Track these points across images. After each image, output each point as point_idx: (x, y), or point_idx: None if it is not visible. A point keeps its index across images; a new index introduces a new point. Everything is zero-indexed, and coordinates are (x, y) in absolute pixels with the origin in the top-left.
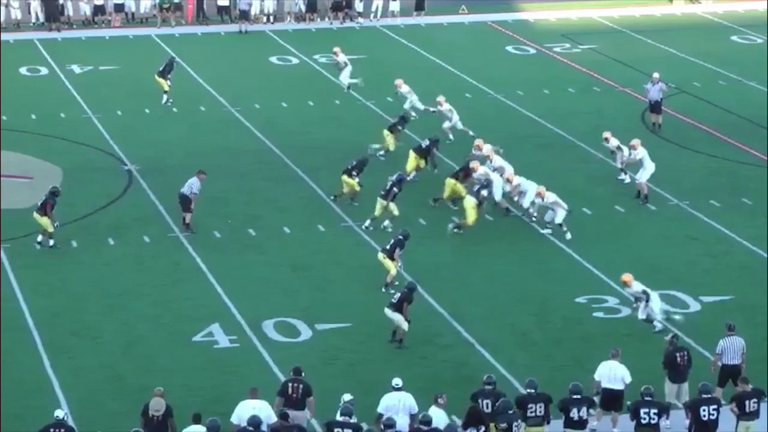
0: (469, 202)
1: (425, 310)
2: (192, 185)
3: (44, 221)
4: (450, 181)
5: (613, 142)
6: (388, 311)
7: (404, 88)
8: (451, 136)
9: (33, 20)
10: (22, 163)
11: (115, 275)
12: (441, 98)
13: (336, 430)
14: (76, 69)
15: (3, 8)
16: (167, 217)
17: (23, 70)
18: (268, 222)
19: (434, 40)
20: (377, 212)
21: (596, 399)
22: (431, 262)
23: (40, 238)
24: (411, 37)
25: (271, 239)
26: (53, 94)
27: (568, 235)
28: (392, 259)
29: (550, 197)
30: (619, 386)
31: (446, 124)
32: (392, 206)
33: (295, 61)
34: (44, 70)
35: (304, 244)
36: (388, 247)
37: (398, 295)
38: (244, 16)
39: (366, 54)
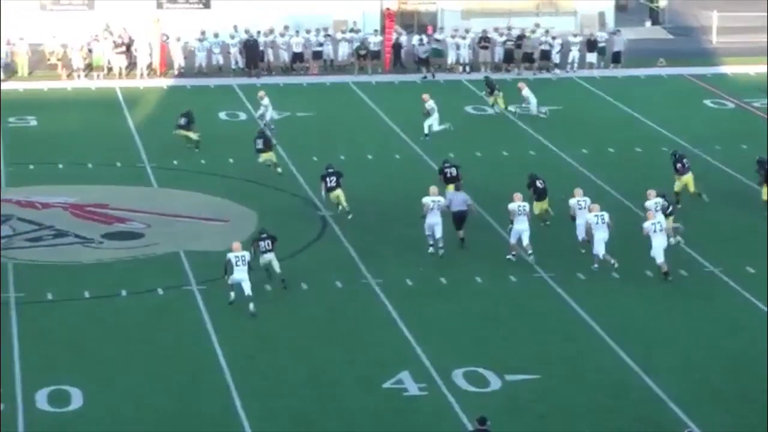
0: None
1: (615, 363)
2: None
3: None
4: None
5: None
6: None
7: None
8: None
9: (233, 66)
10: (220, 207)
11: (307, 319)
12: None
13: None
14: (274, 115)
15: (205, 54)
16: (360, 264)
17: (222, 115)
18: (459, 270)
19: (631, 93)
20: None
21: None
22: (622, 313)
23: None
24: (607, 89)
25: (462, 288)
26: (251, 139)
27: None
28: None
29: None
30: None
31: None
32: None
33: (489, 111)
34: (243, 116)
35: (495, 294)
36: None
37: None
38: (423, 63)
39: (561, 105)
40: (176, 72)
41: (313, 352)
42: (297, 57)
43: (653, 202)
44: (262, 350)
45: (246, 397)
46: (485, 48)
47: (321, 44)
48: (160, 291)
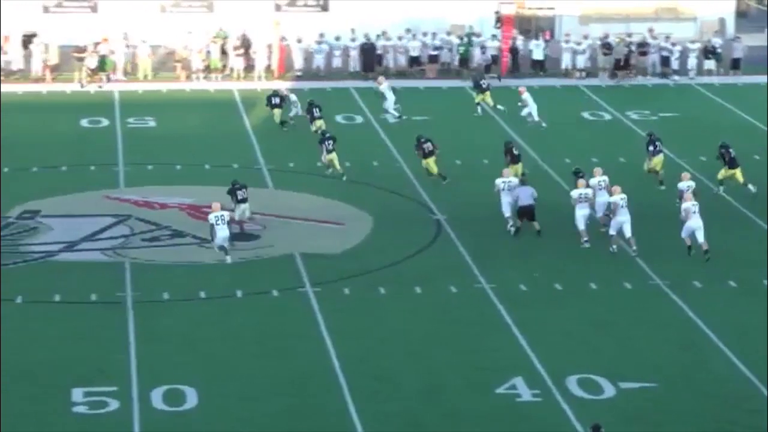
0: None
1: (732, 372)
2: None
3: None
4: None
5: None
6: None
7: None
8: None
9: (351, 69)
10: (335, 209)
11: (420, 323)
12: None
13: None
14: (390, 118)
15: (323, 57)
16: (474, 268)
17: (339, 118)
18: (573, 276)
19: (751, 100)
20: None
21: None
22: (739, 322)
23: None
24: (726, 96)
25: (577, 294)
26: (367, 142)
27: None
28: None
29: None
30: None
31: None
32: None
33: (607, 117)
34: (359, 119)
35: (610, 300)
36: None
37: None
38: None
39: (680, 112)
40: (294, 74)
41: (427, 356)
42: (414, 60)
43: (686, 184)
44: (375, 353)
45: (359, 399)
46: (607, 54)
47: (438, 48)
48: (275, 292)
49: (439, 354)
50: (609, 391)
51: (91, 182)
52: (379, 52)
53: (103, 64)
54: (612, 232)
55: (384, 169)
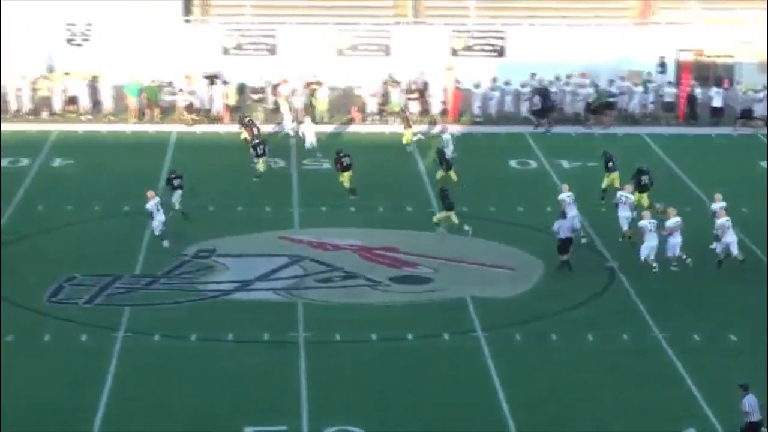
0: None
1: None
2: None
3: None
4: None
5: None
6: None
7: None
8: None
9: (524, 113)
10: (507, 254)
11: (591, 371)
12: None
13: None
14: (565, 164)
15: (497, 101)
16: (647, 316)
17: (513, 163)
18: (749, 329)
19: None
20: None
21: None
22: None
23: None
24: None
25: (752, 345)
26: (540, 187)
27: None
28: None
29: None
30: None
31: None
32: None
33: None
34: (533, 164)
35: None
36: None
37: None
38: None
39: None
40: (469, 118)
41: (597, 404)
42: (589, 107)
43: (719, 205)
44: (545, 399)
45: None
46: None
47: (614, 95)
48: (446, 336)
49: (610, 401)
50: None
51: (266, 222)
52: (553, 99)
53: (279, 106)
54: (642, 256)
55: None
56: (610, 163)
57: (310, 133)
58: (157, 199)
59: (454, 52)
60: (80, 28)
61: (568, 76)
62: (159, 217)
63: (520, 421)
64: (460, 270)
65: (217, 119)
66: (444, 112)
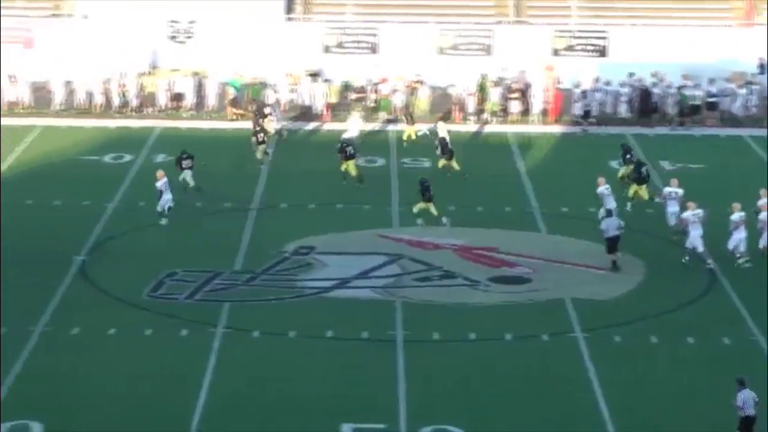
0: None
1: None
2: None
3: None
4: None
5: None
6: None
7: None
8: None
9: (625, 114)
10: (599, 255)
11: (691, 374)
12: None
13: None
14: (666, 165)
15: (597, 102)
16: (748, 319)
17: (613, 164)
18: None
19: None
20: None
21: None
22: None
23: None
24: None
25: None
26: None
27: None
28: None
29: None
30: None
31: None
32: None
33: None
34: None
35: None
36: None
37: None
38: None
39: None
40: (569, 119)
41: (697, 408)
42: (694, 109)
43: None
44: (644, 402)
45: None
46: None
47: (716, 95)
48: (545, 336)
49: (709, 407)
50: None
51: (365, 221)
52: (655, 100)
53: (380, 105)
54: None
55: (659, 217)
56: (628, 155)
57: (354, 127)
58: (166, 178)
59: (556, 52)
60: (183, 25)
61: (661, 80)
62: (167, 196)
63: (619, 423)
64: (559, 270)
65: (319, 117)
66: (544, 112)
